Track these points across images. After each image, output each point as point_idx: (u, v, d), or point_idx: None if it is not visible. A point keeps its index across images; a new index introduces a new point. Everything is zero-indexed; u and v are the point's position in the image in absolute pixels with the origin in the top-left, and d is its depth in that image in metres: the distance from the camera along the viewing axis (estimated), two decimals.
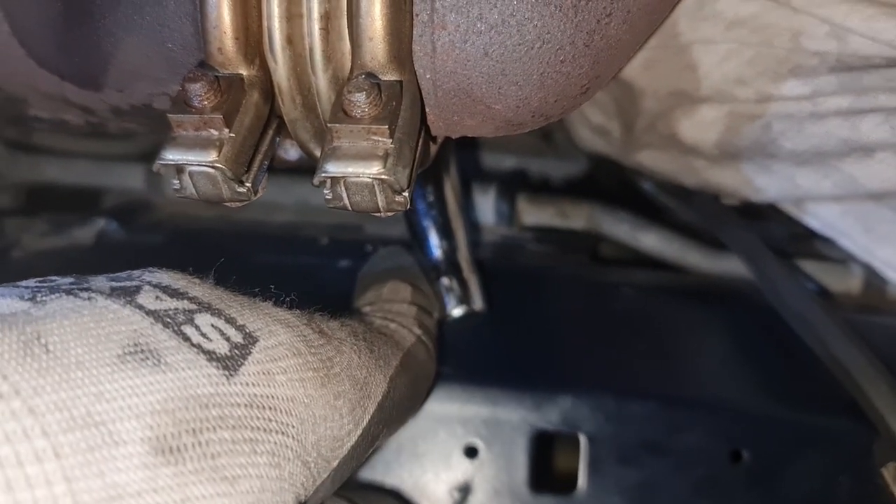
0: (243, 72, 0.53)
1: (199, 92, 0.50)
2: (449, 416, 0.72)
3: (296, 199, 0.95)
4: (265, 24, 0.53)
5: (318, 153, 0.60)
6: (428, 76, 0.54)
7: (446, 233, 0.78)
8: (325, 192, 0.52)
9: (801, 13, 0.66)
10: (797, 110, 0.71)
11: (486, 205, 0.91)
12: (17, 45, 0.62)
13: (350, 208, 0.52)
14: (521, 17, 0.52)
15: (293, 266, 0.83)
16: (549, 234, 0.92)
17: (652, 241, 0.90)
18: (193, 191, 0.53)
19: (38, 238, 0.83)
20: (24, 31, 0.61)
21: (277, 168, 0.60)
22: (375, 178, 0.49)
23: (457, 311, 0.76)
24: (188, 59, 0.58)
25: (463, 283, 0.77)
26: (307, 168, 0.56)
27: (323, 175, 0.49)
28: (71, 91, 0.64)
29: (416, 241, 0.78)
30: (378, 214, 0.53)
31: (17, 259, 0.80)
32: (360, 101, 0.49)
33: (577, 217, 0.92)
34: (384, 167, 0.49)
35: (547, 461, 0.73)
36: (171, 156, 0.51)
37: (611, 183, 1.05)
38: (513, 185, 0.93)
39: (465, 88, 0.54)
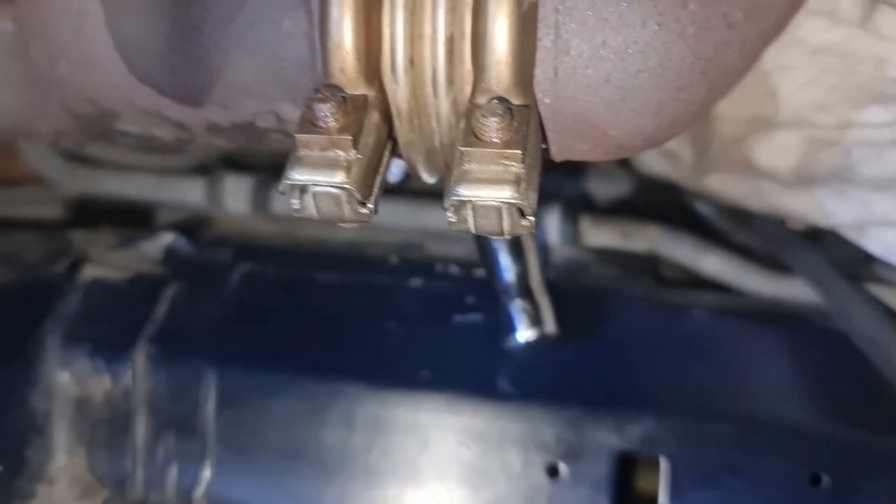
0: (364, 92, 0.53)
1: (327, 112, 0.50)
2: (529, 436, 0.73)
3: None
4: (387, 45, 0.53)
5: (426, 175, 0.60)
6: (548, 101, 0.54)
7: (517, 255, 0.78)
8: (450, 215, 0.52)
9: (888, 40, 0.67)
10: (878, 137, 0.72)
11: (551, 225, 0.91)
12: (119, 59, 0.62)
13: (474, 231, 0.52)
14: (644, 44, 0.52)
15: (363, 284, 0.83)
16: (611, 255, 0.92)
17: (713, 263, 0.90)
18: (314, 210, 0.53)
19: (107, 251, 0.83)
20: (127, 46, 0.61)
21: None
22: (506, 203, 0.49)
23: (529, 334, 0.76)
24: (300, 79, 0.58)
25: (535, 306, 0.77)
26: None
27: (454, 198, 0.49)
28: (168, 106, 0.64)
29: (487, 264, 0.78)
30: (499, 237, 0.53)
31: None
32: (493, 126, 0.49)
33: (639, 239, 0.92)
34: (517, 191, 0.49)
35: (628, 482, 0.73)
36: (299, 176, 0.51)
37: (658, 204, 1.05)
38: (576, 206, 0.93)
39: (584, 114, 0.55)
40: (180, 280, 0.81)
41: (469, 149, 0.49)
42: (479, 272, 0.84)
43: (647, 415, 0.72)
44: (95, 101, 0.66)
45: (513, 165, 0.49)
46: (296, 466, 0.74)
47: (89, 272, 0.80)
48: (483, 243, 0.77)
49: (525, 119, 0.51)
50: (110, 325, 0.77)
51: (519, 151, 0.49)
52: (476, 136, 0.50)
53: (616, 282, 0.88)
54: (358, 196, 0.51)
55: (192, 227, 0.88)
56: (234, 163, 0.99)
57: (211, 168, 0.97)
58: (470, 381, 0.75)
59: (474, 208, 0.50)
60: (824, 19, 0.68)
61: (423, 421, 0.74)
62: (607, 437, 0.72)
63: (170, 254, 0.83)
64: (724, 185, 0.85)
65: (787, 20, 0.58)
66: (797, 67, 0.72)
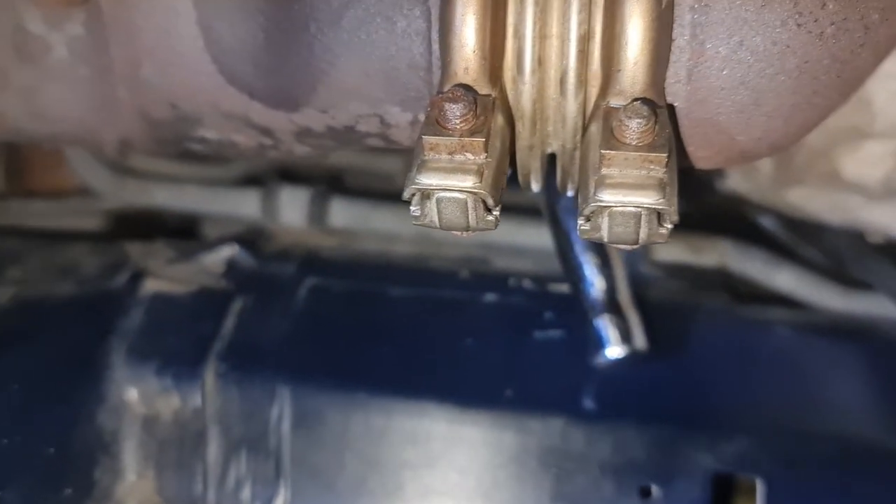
0: (489, 93, 0.50)
1: (458, 112, 0.48)
2: (620, 456, 0.70)
3: (415, 230, 0.92)
4: (513, 44, 0.51)
5: (535, 184, 0.58)
6: (678, 104, 0.52)
7: (604, 267, 0.75)
8: (581, 221, 0.49)
9: None
10: None
11: None
12: (210, 60, 0.59)
13: (606, 239, 0.49)
14: (784, 45, 0.50)
15: (435, 299, 0.80)
16: (680, 270, 0.90)
17: (786, 279, 0.88)
18: (436, 218, 0.50)
19: (166, 264, 0.79)
20: (220, 47, 0.58)
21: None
22: (648, 209, 0.47)
23: (620, 351, 0.73)
24: (412, 80, 0.55)
25: (624, 321, 0.74)
26: None
27: (596, 204, 0.47)
28: (256, 111, 0.61)
29: (573, 278, 0.75)
30: (630, 247, 0.50)
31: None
32: (636, 128, 0.46)
33: (709, 253, 0.90)
34: (662, 196, 0.46)
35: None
36: (427, 180, 0.48)
37: (721, 221, 1.03)
38: None
39: (714, 118, 0.52)
40: (246, 294, 0.77)
41: (611, 152, 0.47)
42: (555, 287, 0.81)
43: (741, 434, 0.70)
44: (177, 104, 0.63)
45: (656, 169, 0.47)
46: (374, 488, 0.71)
47: (151, 285, 0.77)
48: (568, 257, 0.74)
49: (666, 121, 0.48)
50: (177, 341, 0.73)
51: (664, 155, 0.46)
52: (617, 139, 0.47)
53: (692, 297, 0.85)
54: (489, 202, 0.48)
55: (250, 238, 0.85)
56: (287, 175, 0.97)
57: (264, 179, 0.94)
58: (556, 399, 0.72)
59: (611, 215, 0.48)
60: None
61: (506, 441, 0.70)
62: (702, 458, 0.69)
63: (232, 267, 0.80)
64: (805, 199, 0.83)
65: None
66: (894, 76, 0.70)
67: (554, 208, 0.74)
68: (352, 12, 0.54)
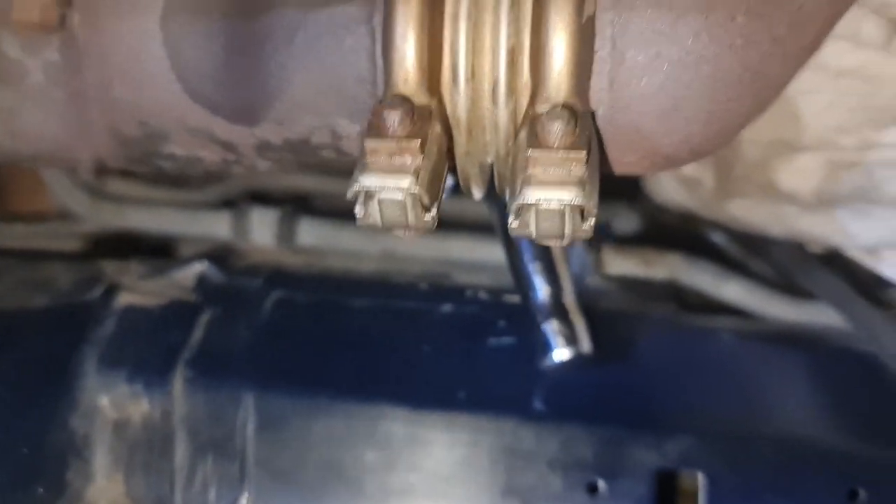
0: (427, 103, 0.55)
1: (397, 119, 0.52)
2: (568, 454, 0.73)
3: (381, 247, 0.96)
4: (449, 58, 0.55)
5: (476, 190, 0.62)
6: (601, 111, 0.56)
7: (551, 276, 0.79)
8: (512, 219, 0.53)
9: None
10: None
11: (574, 254, 0.93)
12: (175, 79, 0.63)
13: (535, 235, 0.53)
14: (698, 55, 0.55)
15: (395, 309, 0.83)
16: (632, 283, 0.94)
17: (735, 290, 0.92)
18: (378, 217, 0.54)
19: (140, 280, 0.83)
20: (184, 66, 0.63)
21: None
22: (570, 205, 0.51)
23: (565, 354, 0.77)
24: (359, 93, 0.59)
25: (570, 326, 0.78)
26: None
27: (522, 201, 0.51)
28: (219, 126, 0.65)
29: (521, 284, 0.79)
30: (558, 242, 0.54)
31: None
32: (557, 130, 0.51)
33: (660, 267, 0.94)
34: (582, 192, 0.50)
35: (668, 500, 0.74)
36: (368, 181, 0.52)
37: (673, 237, 1.07)
38: (597, 235, 0.95)
39: (636, 123, 0.57)
40: (214, 306, 0.81)
41: (535, 152, 0.51)
42: (509, 298, 0.85)
43: (685, 433, 0.73)
44: (146, 121, 0.67)
45: (577, 168, 0.51)
46: (335, 488, 0.74)
47: (124, 298, 0.80)
48: (517, 265, 0.78)
49: (587, 124, 0.53)
50: (147, 350, 0.77)
51: (583, 153, 0.51)
52: (541, 141, 0.52)
53: (640, 307, 0.89)
54: (425, 201, 0.52)
55: (220, 256, 0.88)
56: (258, 197, 1.01)
57: (236, 202, 0.99)
58: (507, 401, 0.76)
59: (538, 212, 0.52)
60: (846, 42, 0.72)
61: (461, 440, 0.74)
62: (646, 455, 0.72)
63: (202, 281, 0.84)
64: (746, 210, 0.87)
65: (824, 35, 0.61)
66: (820, 91, 0.75)
67: (504, 220, 0.78)
68: (303, 32, 0.59)
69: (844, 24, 0.71)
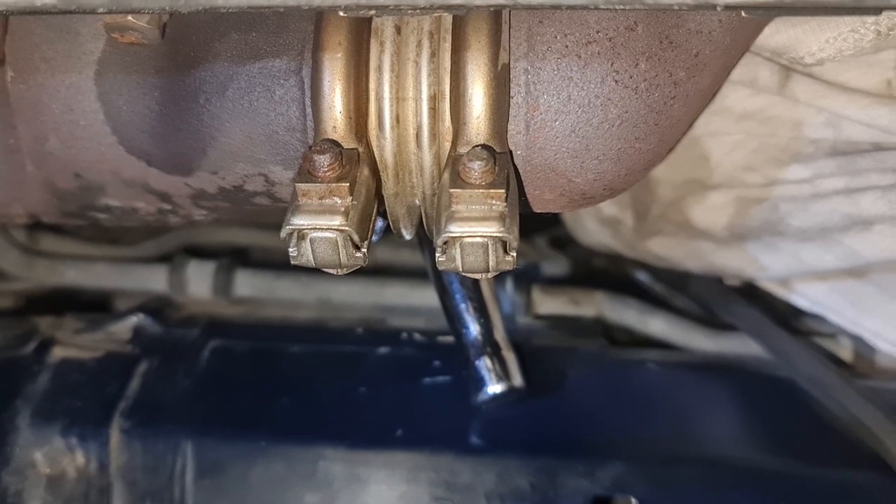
0: (355, 147, 0.58)
1: (325, 163, 0.55)
2: (505, 486, 0.75)
3: (317, 296, 0.98)
4: (375, 106, 0.59)
5: (405, 231, 0.65)
6: (519, 152, 0.60)
7: (482, 314, 0.82)
8: (438, 254, 0.56)
9: (803, 105, 0.76)
10: (800, 192, 0.80)
11: (504, 296, 0.96)
12: (110, 132, 0.65)
13: (461, 269, 0.56)
14: (605, 98, 0.59)
15: (332, 353, 0.85)
16: (561, 321, 0.97)
17: (658, 325, 0.96)
18: (311, 257, 0.56)
19: (74, 334, 0.83)
20: (119, 119, 0.65)
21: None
22: (493, 237, 0.54)
23: (498, 388, 0.79)
24: (290, 141, 0.62)
25: (501, 361, 0.81)
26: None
27: (446, 236, 0.54)
28: (154, 177, 0.67)
29: (453, 323, 0.82)
30: (483, 276, 0.57)
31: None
32: (478, 169, 0.54)
33: (587, 305, 0.97)
34: (503, 226, 0.54)
35: None
36: (300, 221, 0.55)
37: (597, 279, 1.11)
38: (527, 277, 0.98)
39: (552, 163, 0.61)
40: (151, 357, 0.82)
41: (457, 190, 0.54)
42: (443, 339, 0.87)
43: (617, 459, 0.76)
44: (81, 174, 0.68)
45: (497, 204, 0.54)
46: None
47: (58, 353, 0.80)
48: (449, 304, 0.81)
49: (505, 163, 0.56)
50: (83, 403, 0.77)
51: (502, 190, 0.54)
52: (462, 179, 0.55)
53: (570, 343, 0.92)
54: (355, 238, 0.55)
55: (157, 308, 0.89)
56: (194, 252, 1.02)
57: (172, 256, 1.00)
58: (443, 437, 0.78)
59: (462, 246, 0.55)
60: (746, 88, 0.77)
61: (400, 477, 0.75)
62: (581, 483, 0.75)
63: (138, 333, 0.85)
64: (665, 248, 0.91)
65: (721, 79, 0.66)
66: (725, 133, 0.80)
67: (434, 260, 0.81)
68: (235, 83, 0.62)
69: (743, 71, 0.77)
